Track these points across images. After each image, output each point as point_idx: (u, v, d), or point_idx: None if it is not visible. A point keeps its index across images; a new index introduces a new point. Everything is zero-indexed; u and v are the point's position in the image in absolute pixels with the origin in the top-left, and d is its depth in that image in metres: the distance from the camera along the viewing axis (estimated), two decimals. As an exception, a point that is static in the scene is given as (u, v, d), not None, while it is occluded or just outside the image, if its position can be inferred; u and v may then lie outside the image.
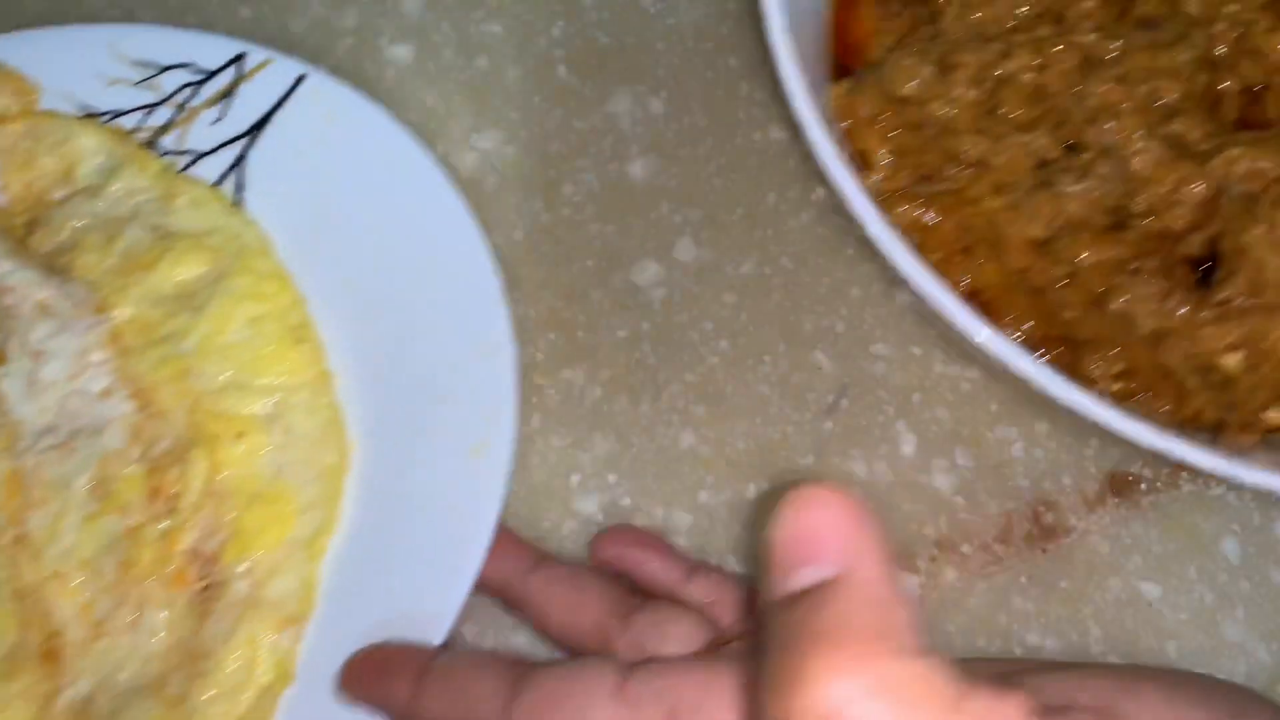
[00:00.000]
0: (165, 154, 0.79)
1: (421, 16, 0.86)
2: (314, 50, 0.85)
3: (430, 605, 0.67)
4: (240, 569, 0.69)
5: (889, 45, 0.72)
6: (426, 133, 0.82)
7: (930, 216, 0.68)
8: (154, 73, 0.79)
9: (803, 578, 0.33)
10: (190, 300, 0.74)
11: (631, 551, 0.66)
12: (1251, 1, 0.66)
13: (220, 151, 0.78)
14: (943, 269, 0.68)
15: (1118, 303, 0.64)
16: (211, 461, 0.71)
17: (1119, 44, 0.67)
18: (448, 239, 0.74)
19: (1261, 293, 0.61)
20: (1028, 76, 0.67)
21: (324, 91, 0.78)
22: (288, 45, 0.85)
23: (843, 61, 0.73)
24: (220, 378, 0.73)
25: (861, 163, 0.70)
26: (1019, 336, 0.68)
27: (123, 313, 0.74)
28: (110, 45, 0.79)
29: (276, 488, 0.71)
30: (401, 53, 0.86)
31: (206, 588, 0.69)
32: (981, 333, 0.59)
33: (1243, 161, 0.63)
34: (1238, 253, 0.61)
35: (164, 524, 0.70)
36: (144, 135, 0.79)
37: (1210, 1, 0.67)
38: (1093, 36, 0.67)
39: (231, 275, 0.75)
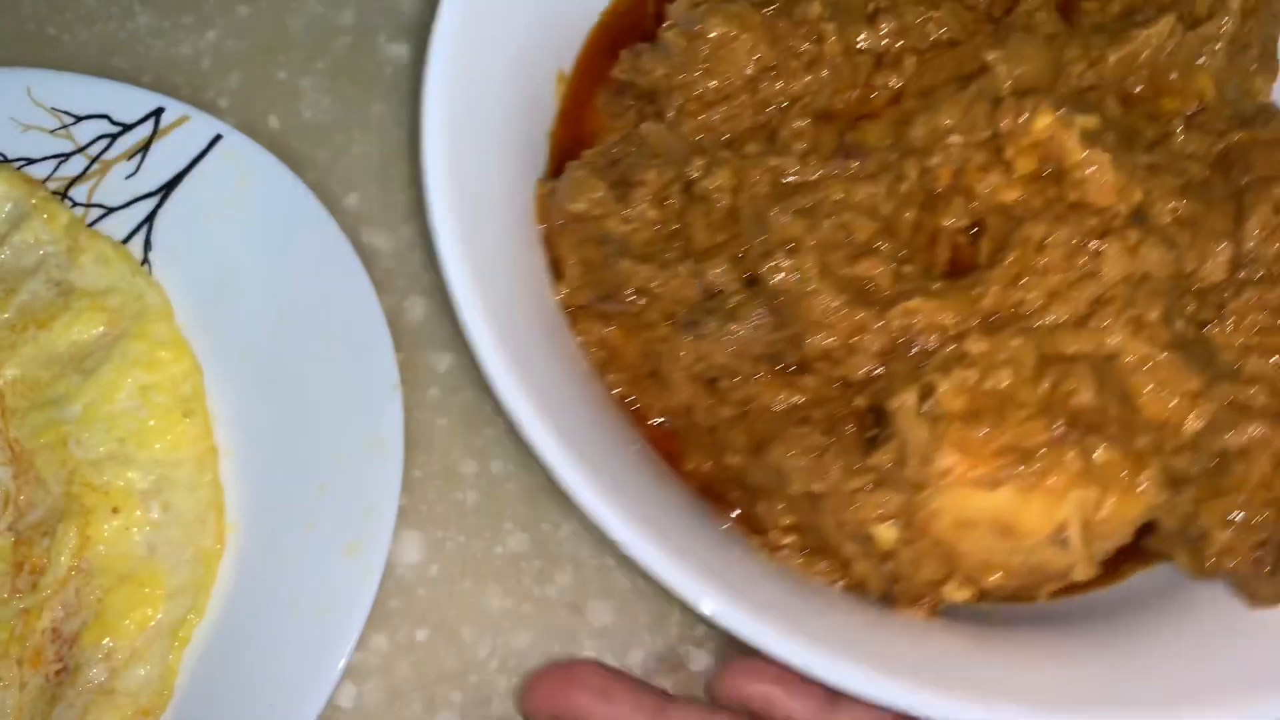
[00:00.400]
0: (76, 206, 0.76)
1: (420, 15, 0.85)
2: (312, 48, 0.84)
3: (286, 713, 0.64)
4: (99, 653, 0.66)
5: (614, 141, 0.67)
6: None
7: (615, 335, 0.64)
8: (71, 121, 0.77)
9: None
10: (82, 362, 0.72)
11: (763, 688, 0.59)
12: (972, 136, 0.60)
13: (131, 207, 0.76)
14: (632, 391, 0.64)
15: (773, 455, 0.59)
16: (82, 536, 0.68)
17: (819, 172, 0.61)
18: (350, 320, 0.71)
19: (905, 464, 0.55)
20: (723, 199, 0.61)
21: (239, 153, 0.75)
22: (285, 43, 0.84)
23: (574, 154, 0.67)
24: (102, 448, 0.70)
25: (555, 270, 0.65)
26: (695, 472, 0.64)
27: (10, 372, 0.72)
28: (28, 89, 0.77)
29: (148, 568, 0.68)
30: (399, 51, 0.84)
31: (60, 670, 0.66)
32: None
33: (921, 313, 0.57)
34: (889, 416, 0.56)
35: (26, 600, 0.67)
36: (56, 185, 0.77)
37: (935, 132, 0.61)
38: (792, 160, 0.61)
39: (128, 339, 0.72)
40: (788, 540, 0.60)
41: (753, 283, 0.60)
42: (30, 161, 0.77)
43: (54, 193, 0.76)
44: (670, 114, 0.64)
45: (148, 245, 0.75)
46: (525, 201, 0.65)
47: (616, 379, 0.64)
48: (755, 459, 0.60)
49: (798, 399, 0.59)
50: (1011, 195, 0.59)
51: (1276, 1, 0.68)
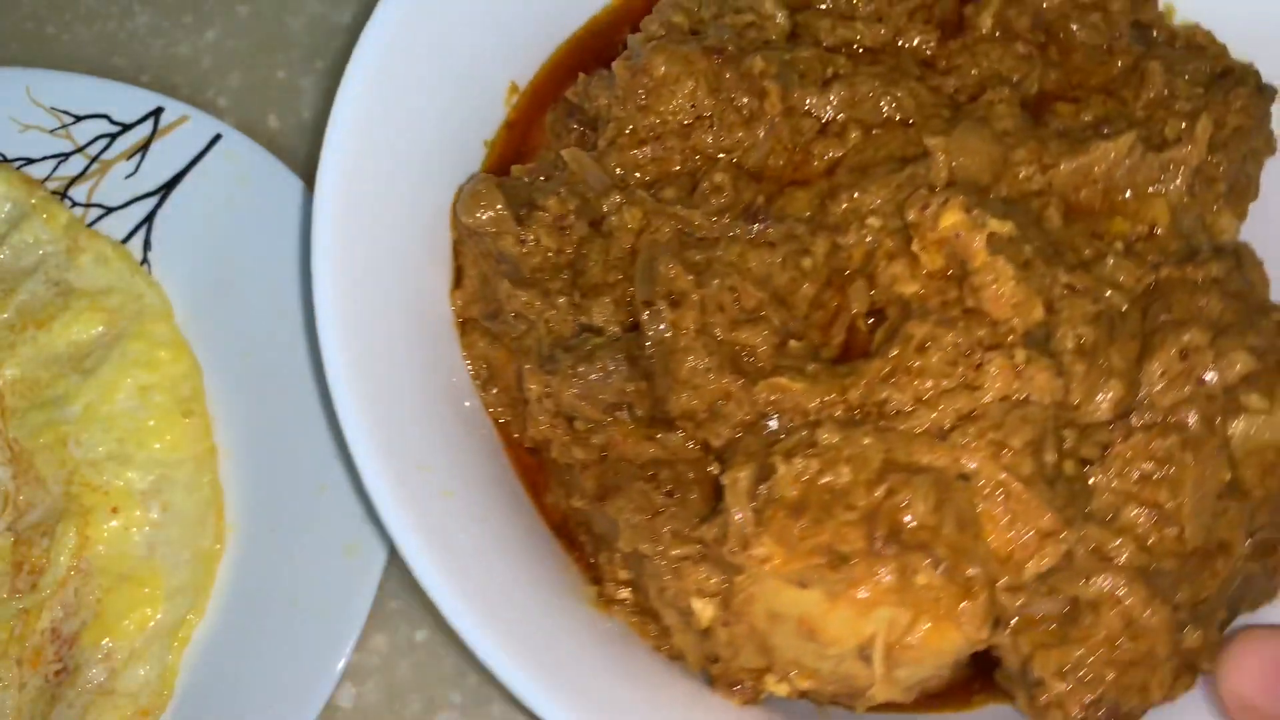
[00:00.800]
0: (75, 206, 0.76)
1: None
2: (312, 48, 0.84)
3: (286, 713, 0.64)
4: (99, 654, 0.66)
5: (544, 161, 0.65)
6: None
7: (498, 355, 0.63)
8: (70, 121, 0.77)
9: None
10: (81, 362, 0.72)
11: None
12: (891, 221, 0.57)
13: (131, 207, 0.76)
14: (508, 414, 0.62)
15: (611, 506, 0.57)
16: (82, 536, 0.68)
17: (721, 231, 0.58)
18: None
19: (724, 543, 0.52)
20: (626, 239, 0.59)
21: (238, 153, 0.75)
22: (285, 43, 0.83)
23: (511, 164, 0.66)
24: (101, 448, 0.70)
25: (455, 278, 0.64)
26: (555, 507, 0.62)
27: (9, 372, 0.71)
28: (28, 89, 0.77)
29: (147, 568, 0.68)
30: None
31: (60, 671, 0.66)
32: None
33: (788, 393, 0.54)
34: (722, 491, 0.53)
35: (25, 600, 0.67)
36: (55, 185, 0.76)
37: (856, 211, 0.58)
38: (699, 214, 0.59)
39: (127, 339, 0.72)
40: (623, 595, 0.58)
41: (632, 329, 0.58)
42: (30, 161, 0.77)
43: (53, 193, 0.76)
44: (602, 144, 0.62)
45: (147, 245, 0.75)
46: (442, 205, 0.64)
47: (493, 399, 0.62)
48: (597, 507, 0.58)
49: (656, 454, 0.57)
50: (911, 289, 0.56)
51: (1255, 138, 0.64)
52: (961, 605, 0.50)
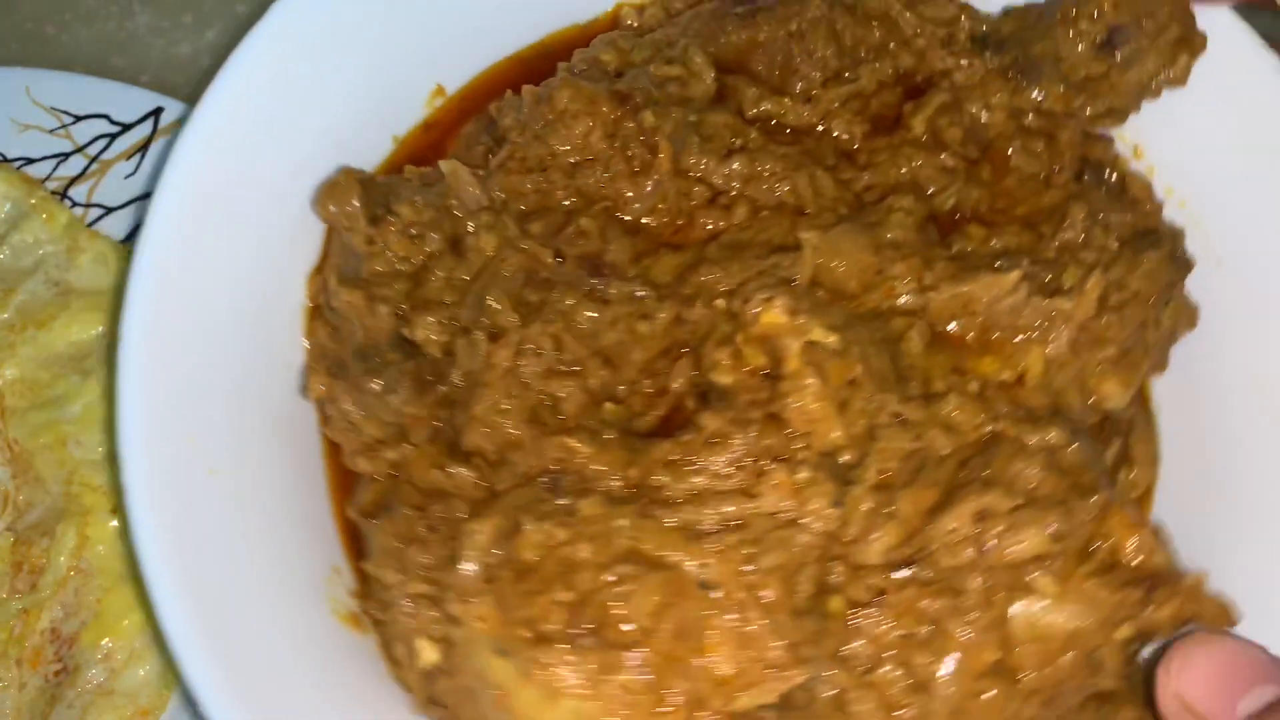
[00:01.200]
0: (75, 206, 0.76)
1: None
2: None
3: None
4: (98, 654, 0.66)
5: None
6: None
7: (330, 342, 0.61)
8: (70, 121, 0.76)
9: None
10: (81, 362, 0.71)
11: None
12: (732, 307, 0.54)
13: (131, 207, 0.75)
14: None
15: (373, 525, 0.55)
16: (81, 536, 0.67)
17: (566, 276, 0.56)
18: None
19: (447, 593, 0.51)
20: (477, 261, 0.57)
21: (238, 152, 0.75)
22: None
23: (424, 162, 0.65)
24: (101, 448, 0.69)
25: (320, 261, 0.63)
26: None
27: (9, 372, 0.71)
28: (27, 89, 0.77)
29: (147, 569, 0.68)
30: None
31: (59, 671, 0.66)
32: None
33: (577, 455, 0.52)
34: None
35: (25, 600, 0.67)
36: (55, 185, 0.76)
37: (711, 289, 0.55)
38: (548, 254, 0.57)
39: (127, 339, 0.72)
40: (375, 613, 0.56)
41: (448, 354, 0.56)
42: (29, 161, 0.76)
43: (53, 193, 0.75)
44: (494, 164, 0.61)
45: (147, 245, 0.75)
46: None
47: (321, 382, 0.60)
48: (364, 522, 0.56)
49: (442, 484, 0.54)
50: (727, 379, 0.53)
51: (1156, 307, 0.58)
52: (652, 717, 0.47)
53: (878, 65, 0.64)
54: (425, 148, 0.67)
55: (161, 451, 0.54)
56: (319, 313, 0.62)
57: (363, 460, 0.57)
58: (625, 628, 0.47)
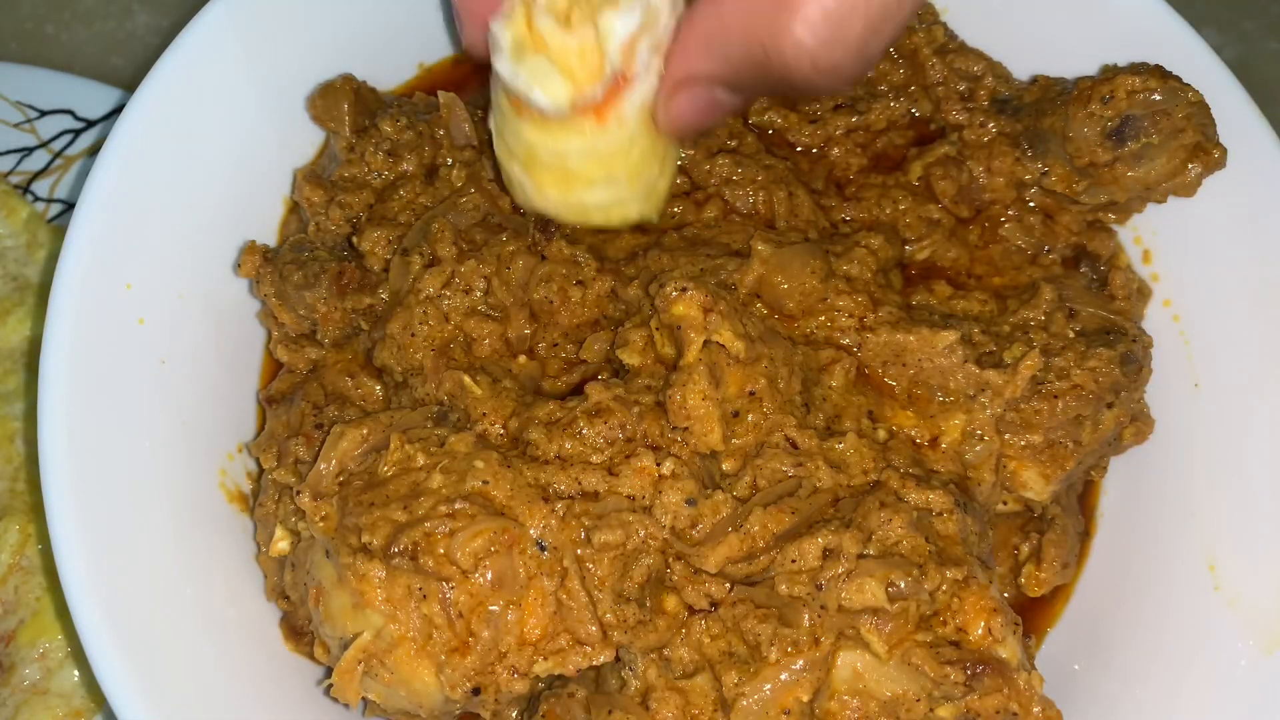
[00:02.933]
0: (37, 201, 0.75)
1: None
2: None
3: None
4: (35, 652, 0.65)
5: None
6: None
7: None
8: (35, 116, 0.76)
9: None
10: (33, 359, 0.71)
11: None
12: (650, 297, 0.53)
13: (91, 204, 0.75)
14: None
15: (270, 408, 0.59)
16: (24, 534, 0.67)
17: (518, 224, 0.57)
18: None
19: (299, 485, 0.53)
20: (444, 192, 0.59)
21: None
22: None
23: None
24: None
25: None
26: None
27: (-41, 367, 0.71)
28: (-9, 82, 0.77)
29: (88, 567, 0.67)
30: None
31: (-6, 668, 0.65)
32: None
33: (466, 393, 0.53)
34: None
35: (-36, 597, 0.66)
36: (18, 179, 0.76)
37: (652, 272, 0.55)
38: (509, 200, 0.58)
39: (80, 335, 0.71)
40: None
41: (387, 270, 0.58)
42: (-8, 155, 0.77)
43: (15, 187, 0.75)
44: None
45: (109, 242, 0.74)
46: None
47: (252, 262, 0.60)
48: (269, 408, 0.59)
49: (347, 392, 0.57)
50: (634, 359, 0.53)
51: (1096, 407, 0.55)
52: (448, 653, 0.48)
53: (894, 104, 0.63)
54: (450, 81, 0.67)
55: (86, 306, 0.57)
56: (296, 209, 0.64)
57: (283, 350, 0.59)
58: (444, 561, 0.48)
